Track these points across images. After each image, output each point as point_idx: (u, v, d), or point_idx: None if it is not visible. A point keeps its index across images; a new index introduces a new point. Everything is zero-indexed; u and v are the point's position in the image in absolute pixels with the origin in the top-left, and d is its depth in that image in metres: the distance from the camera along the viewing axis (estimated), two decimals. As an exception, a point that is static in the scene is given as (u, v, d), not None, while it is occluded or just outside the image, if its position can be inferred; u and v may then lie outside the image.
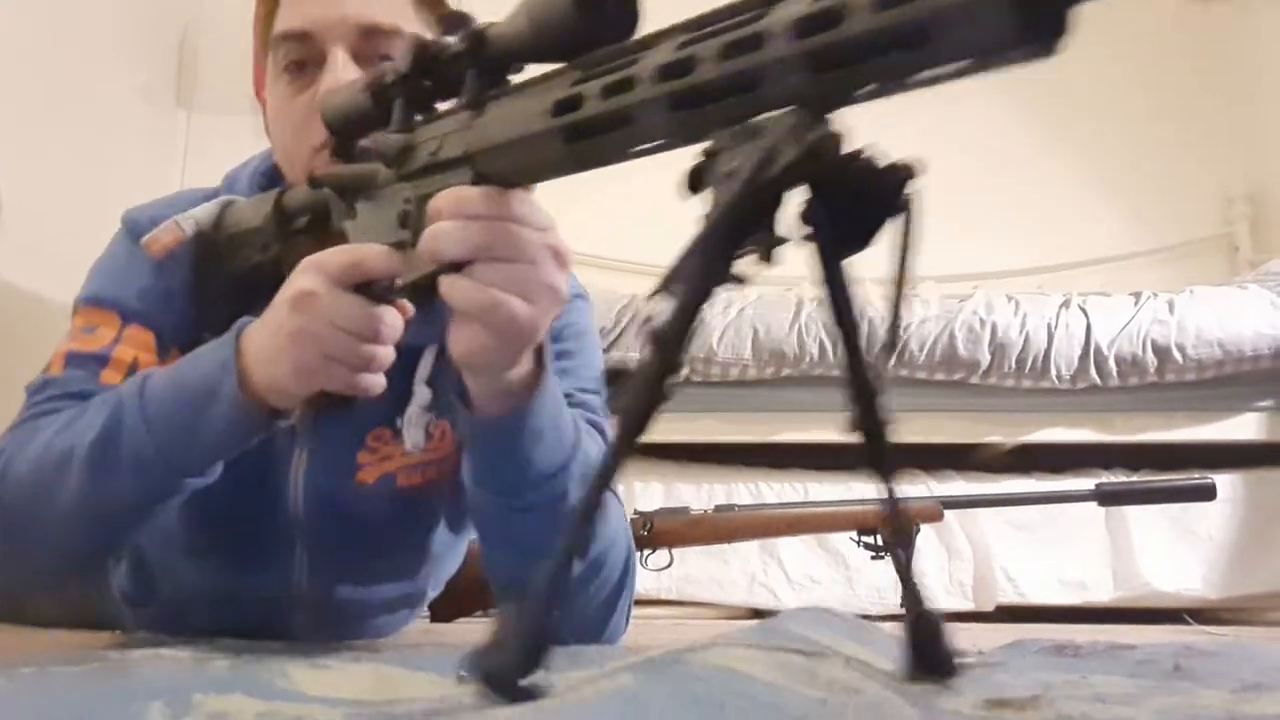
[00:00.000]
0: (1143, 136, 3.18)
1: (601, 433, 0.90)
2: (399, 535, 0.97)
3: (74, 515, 0.76)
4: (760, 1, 0.46)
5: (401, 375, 0.82)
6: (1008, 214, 3.16)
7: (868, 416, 0.52)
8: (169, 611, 0.97)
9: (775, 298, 2.37)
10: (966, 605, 2.24)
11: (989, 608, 2.25)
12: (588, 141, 0.54)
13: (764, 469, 2.38)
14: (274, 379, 0.71)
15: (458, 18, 0.65)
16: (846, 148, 0.45)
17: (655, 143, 0.51)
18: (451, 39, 0.65)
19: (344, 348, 0.68)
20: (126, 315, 0.89)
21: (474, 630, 1.21)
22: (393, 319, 0.70)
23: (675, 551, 1.75)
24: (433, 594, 1.09)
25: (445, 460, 0.93)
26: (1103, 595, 2.25)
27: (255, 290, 0.84)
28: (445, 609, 1.21)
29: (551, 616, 0.42)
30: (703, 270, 0.44)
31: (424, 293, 0.66)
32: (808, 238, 0.47)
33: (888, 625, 0.64)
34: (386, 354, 0.71)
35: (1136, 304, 2.32)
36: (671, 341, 0.43)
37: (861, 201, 0.45)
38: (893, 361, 2.29)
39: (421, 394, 0.86)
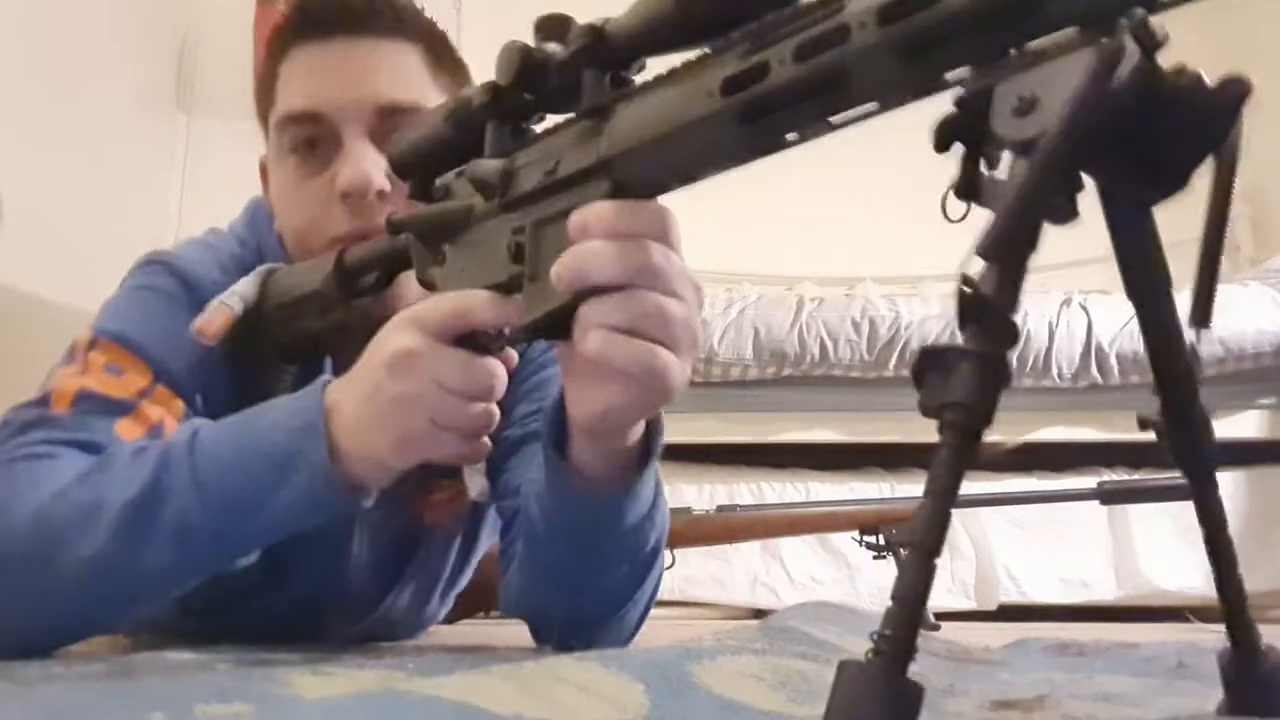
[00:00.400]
0: (1143, 134, 3.18)
1: None
2: (422, 570, 0.96)
3: (88, 580, 0.64)
4: None
5: None
6: (1008, 212, 3.15)
7: (1179, 405, 0.43)
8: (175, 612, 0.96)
9: (776, 297, 2.37)
10: (969, 604, 2.24)
11: (991, 607, 2.25)
12: (774, 117, 0.45)
13: (765, 469, 2.38)
14: (371, 451, 0.62)
15: (558, 21, 0.57)
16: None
17: (867, 106, 0.43)
18: (553, 45, 0.57)
19: (454, 412, 0.60)
20: (160, 375, 0.77)
21: (477, 632, 1.22)
22: (501, 372, 0.62)
23: (677, 552, 1.75)
24: (443, 613, 1.09)
25: (464, 495, 0.89)
26: (1105, 594, 2.25)
27: (311, 362, 0.80)
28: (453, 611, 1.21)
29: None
30: (1033, 219, 0.35)
31: (548, 332, 0.57)
32: (1105, 186, 0.39)
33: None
34: (495, 413, 0.63)
35: (1138, 302, 2.31)
36: (1007, 306, 0.35)
37: (1178, 131, 0.37)
38: (894, 361, 2.29)
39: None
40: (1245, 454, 2.28)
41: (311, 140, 0.81)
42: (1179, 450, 0.44)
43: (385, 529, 0.87)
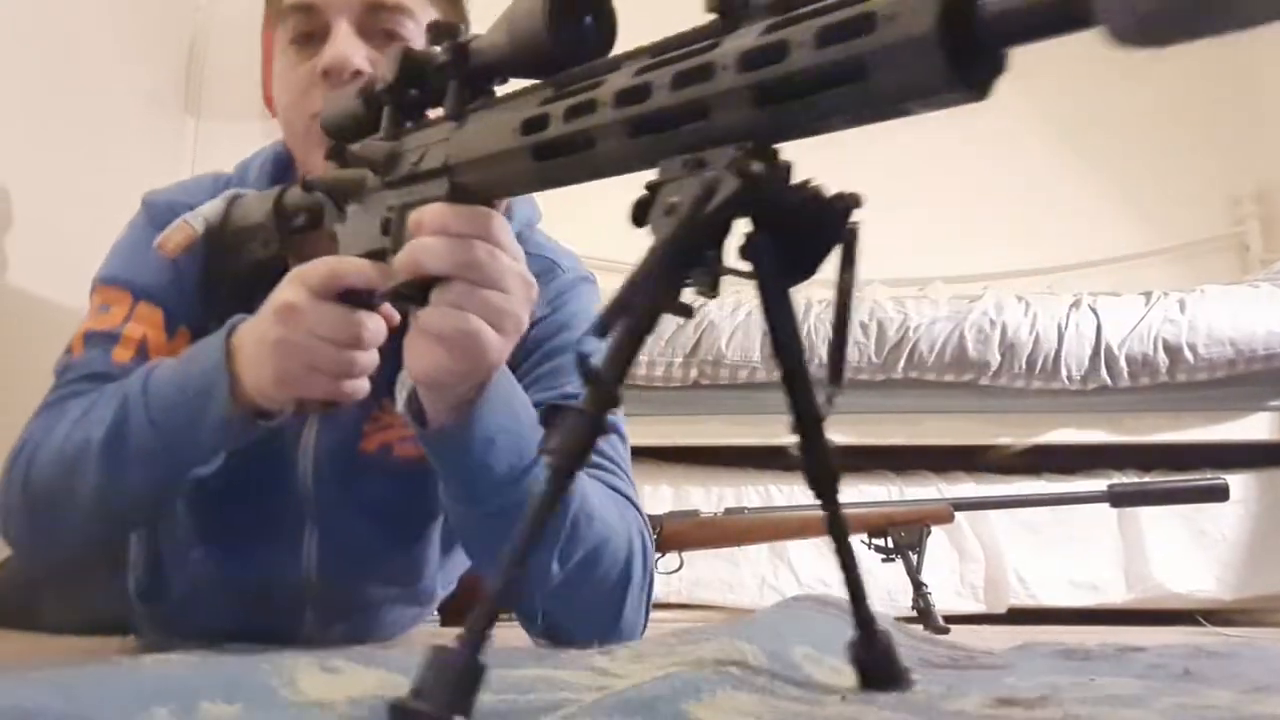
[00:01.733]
0: (1152, 135, 3.17)
1: (615, 430, 0.92)
2: (401, 510, 0.97)
3: (92, 505, 0.81)
4: (713, 31, 0.46)
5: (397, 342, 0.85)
6: (1017, 214, 3.15)
7: (810, 443, 0.52)
8: (181, 611, 0.98)
9: (784, 300, 2.36)
10: (978, 607, 2.23)
11: (1000, 610, 2.24)
12: (555, 161, 0.54)
13: (773, 471, 2.38)
14: (259, 385, 0.73)
15: (445, 28, 0.66)
16: (793, 177, 0.45)
17: (614, 167, 0.52)
18: (437, 49, 0.66)
19: (324, 356, 0.70)
20: (137, 293, 0.93)
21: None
22: (375, 324, 0.72)
23: (685, 554, 1.75)
24: (443, 593, 1.09)
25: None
26: (1115, 597, 2.24)
27: (260, 283, 0.86)
28: (454, 611, 1.21)
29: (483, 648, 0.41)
30: (644, 305, 0.44)
31: (407, 299, 0.67)
32: (750, 271, 0.47)
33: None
34: (369, 359, 0.72)
35: (1147, 304, 2.30)
36: (612, 378, 0.43)
37: (805, 232, 0.46)
38: (902, 363, 2.28)
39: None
40: (1256, 456, 2.27)
41: (307, 34, 0.90)
42: (811, 476, 0.53)
43: (330, 453, 0.94)
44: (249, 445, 0.80)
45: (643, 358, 2.30)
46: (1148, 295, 2.34)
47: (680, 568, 1.76)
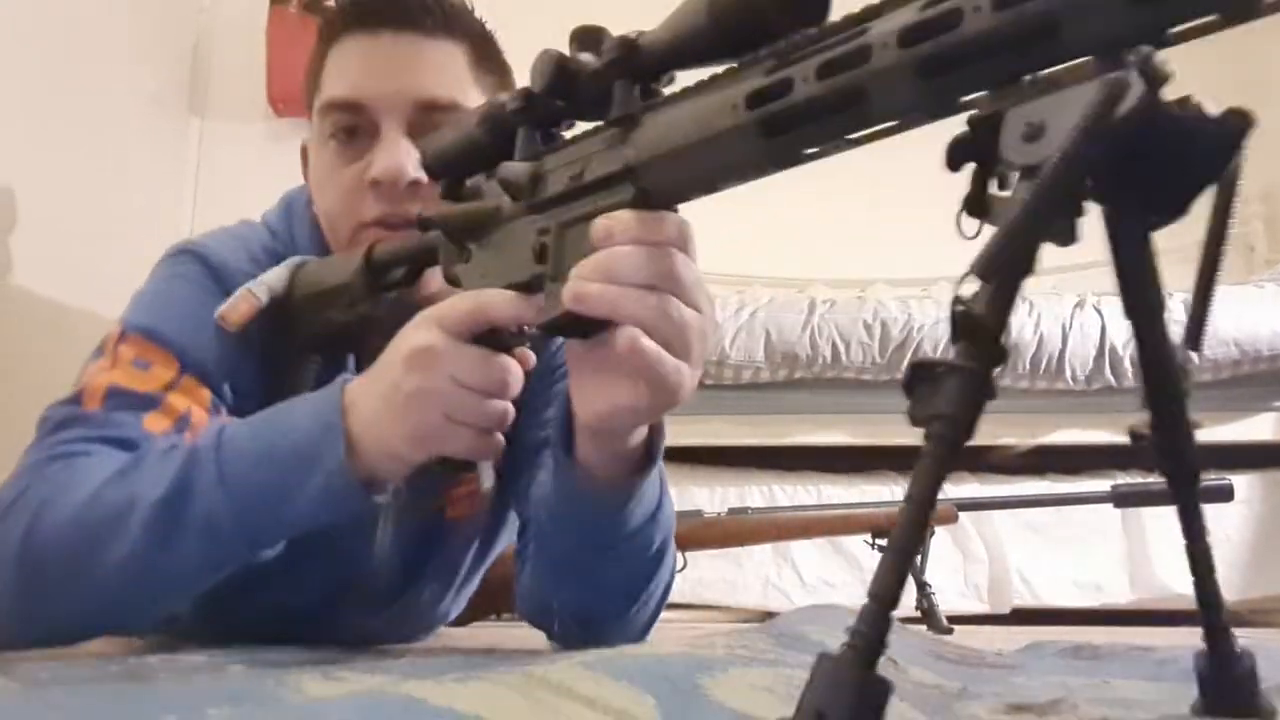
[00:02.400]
0: (1156, 135, 3.16)
1: None
2: (453, 563, 0.96)
3: (125, 577, 0.66)
4: None
5: None
6: (1021, 214, 3.14)
7: (1168, 420, 0.45)
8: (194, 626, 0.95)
9: (788, 300, 2.36)
10: (981, 608, 2.23)
11: (1004, 610, 2.23)
12: (796, 133, 0.47)
13: (777, 471, 2.37)
14: (387, 445, 0.64)
15: (593, 32, 0.59)
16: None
17: (888, 124, 0.45)
18: (587, 55, 0.59)
19: (469, 407, 0.62)
20: (186, 364, 0.79)
21: (487, 634, 1.22)
22: (517, 370, 0.64)
23: (688, 554, 1.74)
24: (455, 612, 1.09)
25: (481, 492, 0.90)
26: (1119, 597, 2.24)
27: (336, 355, 0.82)
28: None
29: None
30: (1029, 242, 0.36)
31: (568, 330, 0.59)
32: (1109, 210, 0.40)
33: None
34: (510, 411, 0.64)
35: (1151, 304, 2.30)
36: (996, 329, 0.37)
37: (1181, 160, 0.38)
38: (906, 363, 2.28)
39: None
40: (1260, 457, 2.27)
41: (351, 129, 0.84)
42: (1165, 460, 0.46)
43: (408, 522, 0.88)
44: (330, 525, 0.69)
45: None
46: (1152, 295, 2.33)
47: (683, 567, 1.75)
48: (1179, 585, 2.19)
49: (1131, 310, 0.44)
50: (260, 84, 2.69)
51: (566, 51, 0.59)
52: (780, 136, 0.47)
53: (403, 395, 0.62)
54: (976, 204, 0.39)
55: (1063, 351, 2.26)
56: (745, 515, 1.72)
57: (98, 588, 0.67)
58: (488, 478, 0.75)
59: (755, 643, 0.56)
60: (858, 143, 0.46)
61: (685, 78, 0.54)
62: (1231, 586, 2.20)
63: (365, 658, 0.71)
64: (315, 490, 0.65)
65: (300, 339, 0.82)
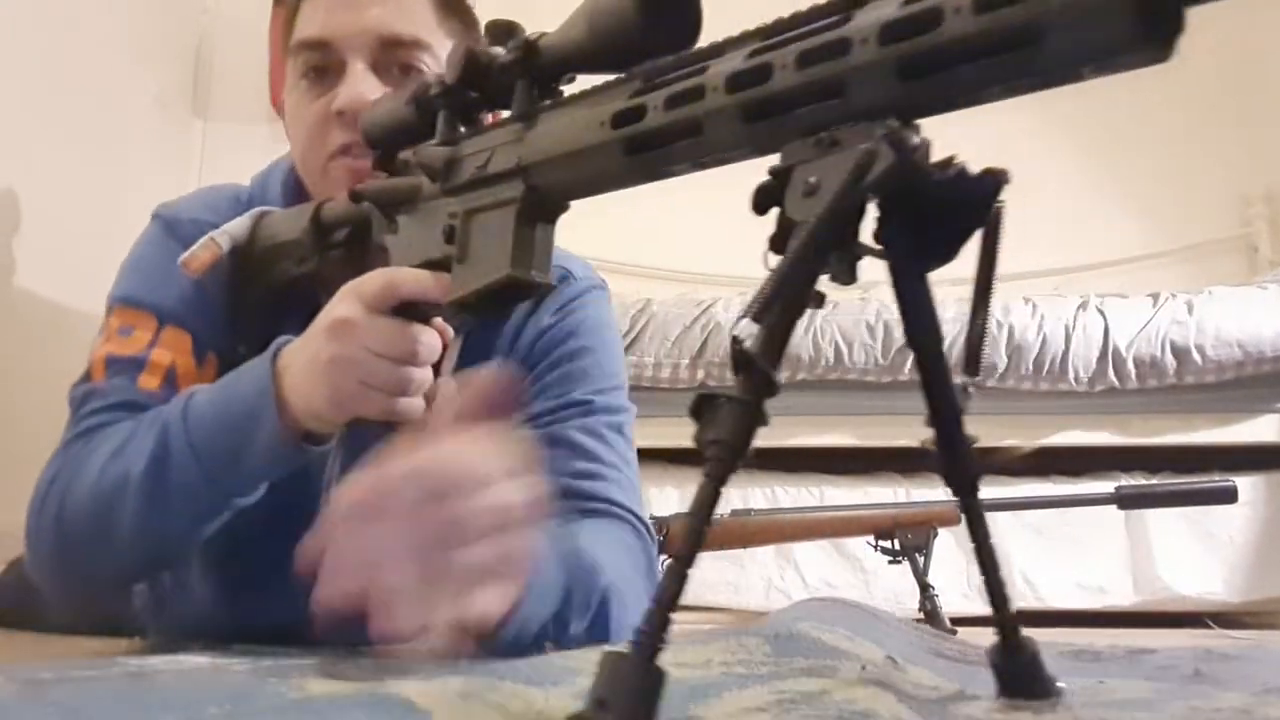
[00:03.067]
0: (1160, 137, 3.16)
1: (620, 432, 0.90)
2: None
3: (132, 541, 0.77)
4: (837, 7, 0.44)
5: None
6: (1024, 215, 3.12)
7: (947, 439, 0.49)
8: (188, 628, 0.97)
9: (790, 301, 2.36)
10: (985, 610, 2.22)
11: (1007, 612, 2.23)
12: (651, 153, 0.52)
13: (779, 473, 2.37)
14: (311, 407, 0.70)
15: (505, 27, 0.64)
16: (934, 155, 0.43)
17: (723, 154, 0.50)
18: (499, 49, 0.63)
19: (381, 374, 0.68)
20: (163, 317, 0.88)
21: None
22: (430, 339, 0.69)
23: (691, 556, 1.74)
24: None
25: None
26: (1122, 599, 2.23)
27: (291, 303, 0.86)
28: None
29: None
30: (796, 289, 0.41)
31: (473, 309, 0.64)
32: (883, 253, 0.45)
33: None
34: (425, 376, 0.70)
35: (1155, 305, 2.30)
36: (769, 364, 0.41)
37: (947, 212, 0.43)
38: (908, 365, 2.28)
39: (447, 388, 0.85)
40: (1264, 458, 2.26)
41: (320, 68, 0.88)
42: (947, 473, 0.50)
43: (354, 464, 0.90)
44: (280, 486, 0.78)
45: (648, 359, 2.30)
46: (1155, 297, 2.33)
47: (686, 569, 1.76)
48: (1183, 587, 2.19)
49: (912, 340, 0.48)
50: (263, 86, 2.69)
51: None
52: (640, 154, 0.52)
53: (322, 362, 0.68)
54: (779, 243, 0.44)
55: (1066, 353, 2.26)
56: (748, 517, 1.72)
57: (116, 548, 0.78)
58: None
59: (753, 652, 0.56)
60: (707, 165, 0.51)
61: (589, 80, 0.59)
62: (1234, 588, 2.19)
63: (369, 658, 0.71)
64: (262, 448, 0.73)
65: (258, 289, 0.87)
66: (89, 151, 2.06)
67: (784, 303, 0.41)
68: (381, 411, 0.69)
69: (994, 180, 0.43)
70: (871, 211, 0.44)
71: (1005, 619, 0.50)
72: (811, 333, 2.28)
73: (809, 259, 0.41)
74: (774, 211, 0.45)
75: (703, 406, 0.41)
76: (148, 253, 0.94)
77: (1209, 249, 3.14)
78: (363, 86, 0.85)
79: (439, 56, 0.88)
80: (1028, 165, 3.55)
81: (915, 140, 0.41)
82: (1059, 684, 0.49)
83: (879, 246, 0.44)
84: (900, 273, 0.46)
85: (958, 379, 0.49)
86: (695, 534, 0.39)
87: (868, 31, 0.42)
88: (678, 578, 0.39)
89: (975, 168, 0.44)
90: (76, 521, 0.79)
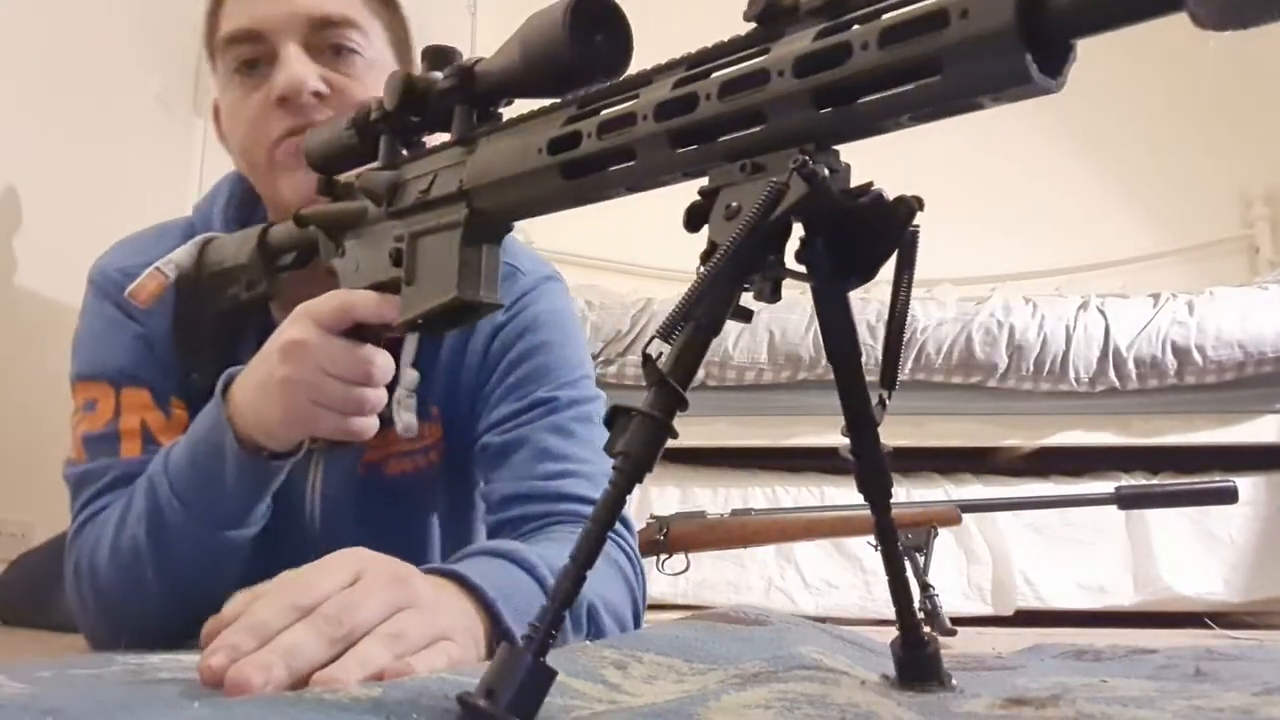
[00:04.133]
0: (1162, 137, 3.16)
1: (589, 421, 0.90)
2: (397, 524, 0.96)
3: (164, 594, 0.80)
4: (756, 39, 0.46)
5: None
6: (1025, 215, 3.14)
7: (863, 448, 0.52)
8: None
9: (791, 301, 2.36)
10: (985, 610, 2.23)
11: (1008, 612, 2.23)
12: (587, 178, 0.54)
13: (780, 473, 2.37)
14: (265, 428, 0.72)
15: (444, 52, 0.65)
16: (852, 180, 0.45)
17: (656, 178, 0.51)
18: (438, 74, 0.64)
19: (333, 394, 0.69)
20: (117, 381, 0.90)
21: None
22: (384, 361, 0.70)
23: (691, 556, 1.74)
24: None
25: (434, 448, 0.93)
26: (1123, 599, 2.23)
27: (242, 326, 0.88)
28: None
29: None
30: (710, 308, 0.43)
31: (424, 328, 0.66)
32: (805, 274, 0.47)
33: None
34: (378, 396, 0.71)
35: (1156, 305, 2.30)
36: (679, 381, 0.43)
37: (865, 235, 0.45)
38: (909, 365, 2.28)
39: (409, 377, 0.82)
40: (1265, 459, 2.26)
41: (252, 61, 0.87)
42: (863, 477, 0.53)
43: (334, 473, 0.92)
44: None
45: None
46: (1156, 297, 2.34)
47: (687, 569, 1.76)
48: (1183, 587, 2.19)
49: (832, 355, 0.50)
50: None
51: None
52: (577, 179, 0.54)
53: (275, 382, 0.70)
54: (710, 258, 0.45)
55: (1066, 353, 2.26)
56: (748, 516, 1.72)
57: (152, 607, 0.81)
58: (400, 422, 0.77)
59: (747, 667, 0.56)
60: (643, 188, 0.52)
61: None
62: (1234, 588, 2.19)
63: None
64: (233, 475, 0.75)
65: (207, 315, 0.88)
66: (90, 150, 2.06)
67: (696, 323, 0.43)
68: (335, 430, 0.71)
69: (908, 206, 0.44)
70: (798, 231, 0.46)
71: (907, 614, 0.54)
72: (812, 333, 2.28)
73: (720, 281, 0.42)
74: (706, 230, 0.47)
75: (615, 418, 0.43)
76: (87, 323, 0.95)
77: (1210, 249, 3.15)
78: (298, 68, 0.84)
79: (369, 34, 0.88)
80: (1030, 166, 3.57)
81: (825, 171, 0.43)
82: (953, 681, 0.53)
83: (801, 268, 0.46)
84: (821, 292, 0.48)
85: (876, 392, 0.50)
86: (596, 539, 0.41)
87: (784, 63, 0.44)
88: (573, 580, 0.41)
89: (892, 191, 0.45)
90: (109, 592, 0.82)
